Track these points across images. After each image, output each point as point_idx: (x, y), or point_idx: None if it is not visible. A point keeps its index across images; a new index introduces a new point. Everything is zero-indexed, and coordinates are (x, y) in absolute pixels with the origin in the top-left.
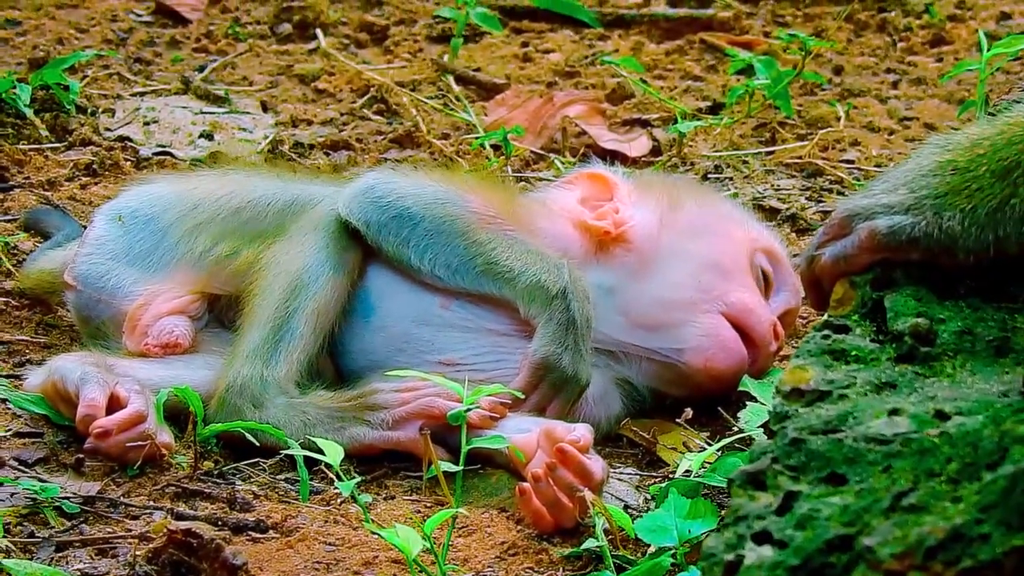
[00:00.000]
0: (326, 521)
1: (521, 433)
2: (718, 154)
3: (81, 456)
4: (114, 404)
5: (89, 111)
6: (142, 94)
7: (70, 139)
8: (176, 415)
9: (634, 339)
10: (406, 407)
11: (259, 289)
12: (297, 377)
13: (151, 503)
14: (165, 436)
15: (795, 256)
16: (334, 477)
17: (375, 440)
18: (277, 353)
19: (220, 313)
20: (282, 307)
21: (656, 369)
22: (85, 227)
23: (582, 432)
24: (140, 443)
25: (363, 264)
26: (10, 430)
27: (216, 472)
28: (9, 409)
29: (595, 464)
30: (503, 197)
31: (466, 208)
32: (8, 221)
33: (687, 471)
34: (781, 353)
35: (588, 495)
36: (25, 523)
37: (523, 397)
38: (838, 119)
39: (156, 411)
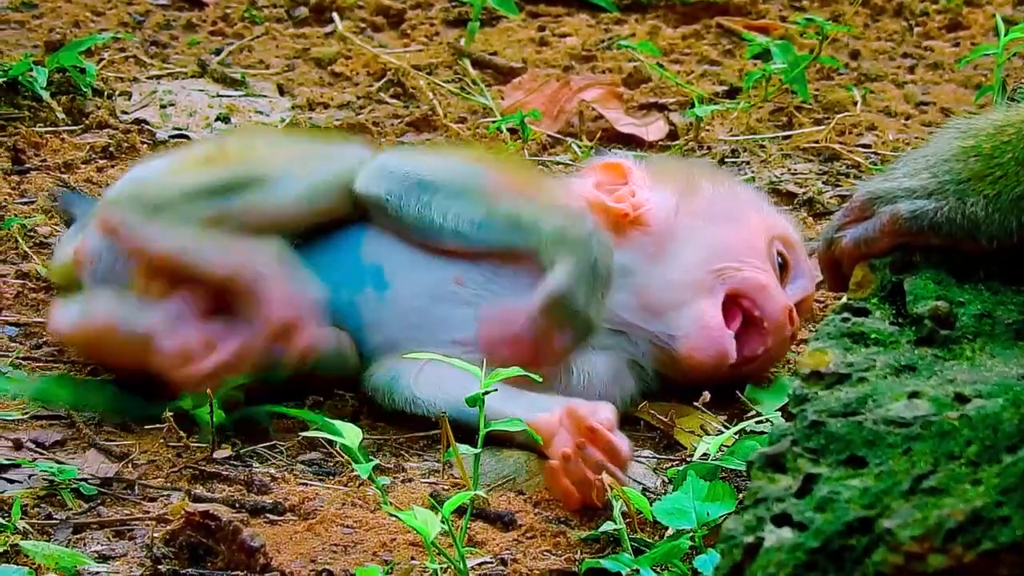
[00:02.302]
0: (344, 504)
1: (542, 412)
2: (735, 138)
3: (99, 438)
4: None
5: (106, 94)
6: (158, 77)
7: (86, 122)
8: None
9: (640, 321)
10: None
11: (235, 156)
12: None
13: (168, 485)
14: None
15: (811, 240)
16: (352, 460)
17: (253, 276)
18: (199, 203)
19: None
20: (237, 181)
21: (656, 353)
22: None
23: (606, 412)
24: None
25: (369, 241)
26: (27, 412)
27: (233, 454)
28: (23, 398)
29: (622, 442)
30: (520, 168)
31: (486, 172)
32: (25, 203)
33: (705, 454)
34: (797, 339)
35: (606, 479)
36: (42, 505)
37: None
38: (855, 103)
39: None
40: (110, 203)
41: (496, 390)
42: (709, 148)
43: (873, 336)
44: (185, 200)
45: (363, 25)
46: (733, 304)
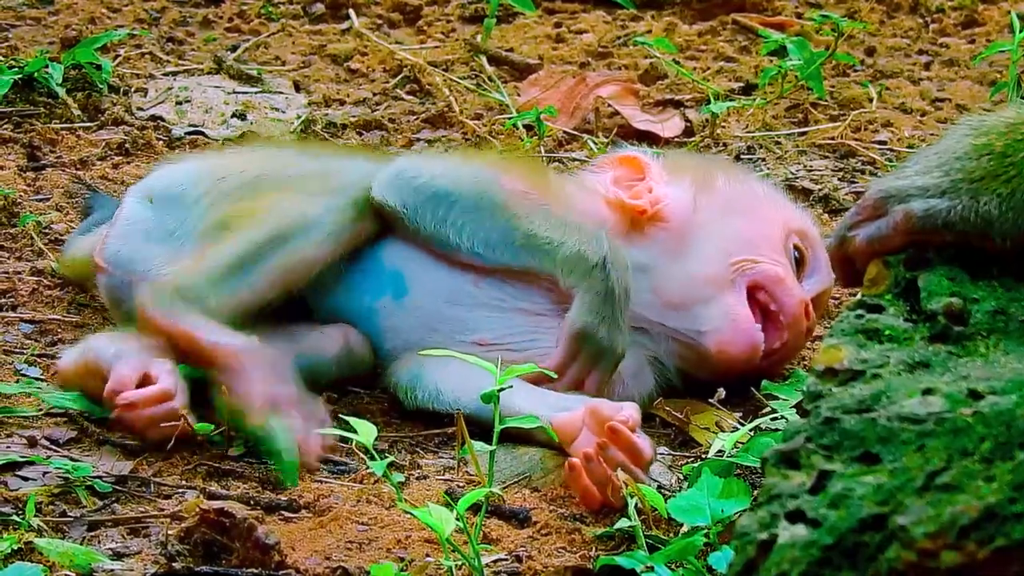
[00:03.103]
0: (358, 500)
1: (565, 411)
2: (751, 135)
3: (113, 436)
4: (145, 383)
5: (121, 90)
6: (174, 74)
7: (102, 118)
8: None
9: (662, 318)
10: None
11: (249, 219)
12: (235, 318)
13: (183, 482)
14: (190, 418)
15: (826, 237)
16: (366, 457)
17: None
18: (228, 286)
19: None
20: (256, 248)
21: (680, 350)
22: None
23: (630, 412)
24: (169, 422)
25: (389, 248)
26: (41, 409)
27: (248, 451)
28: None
29: (644, 443)
30: (537, 175)
31: (502, 185)
32: (40, 200)
33: (720, 451)
34: (813, 335)
35: (622, 475)
36: (57, 502)
37: (556, 377)
38: (870, 100)
39: (185, 394)
40: (143, 298)
41: (511, 387)
42: (725, 145)
43: (887, 333)
44: (214, 288)
45: (379, 22)
46: (750, 298)
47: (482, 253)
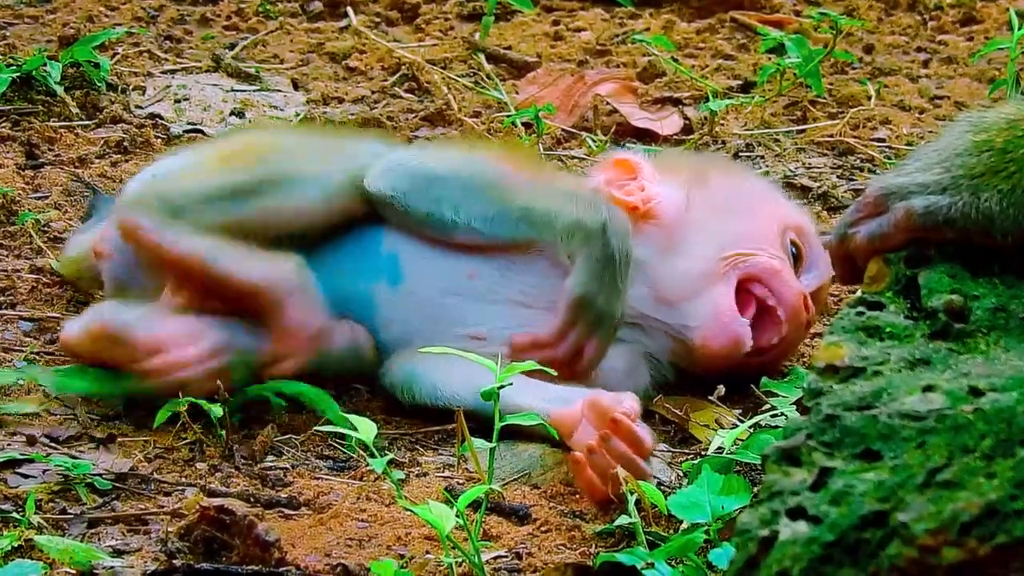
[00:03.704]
0: (358, 498)
1: (564, 404)
2: (749, 132)
3: (113, 433)
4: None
5: (119, 88)
6: (173, 72)
7: (100, 116)
8: None
9: (656, 314)
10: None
11: (250, 156)
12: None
13: (183, 480)
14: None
15: (824, 234)
16: (366, 454)
17: (272, 285)
18: (215, 207)
19: None
20: (254, 183)
21: (672, 345)
22: None
23: (631, 403)
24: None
25: (385, 232)
26: (42, 406)
27: (248, 449)
28: (41, 386)
29: (645, 433)
30: (530, 160)
31: (495, 164)
32: (39, 198)
33: (719, 448)
34: (812, 332)
35: (621, 472)
36: (57, 500)
37: (554, 350)
38: (869, 98)
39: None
40: (128, 205)
41: (512, 384)
42: (724, 142)
43: (888, 330)
44: (204, 202)
45: (377, 20)
46: (746, 292)
47: (479, 228)
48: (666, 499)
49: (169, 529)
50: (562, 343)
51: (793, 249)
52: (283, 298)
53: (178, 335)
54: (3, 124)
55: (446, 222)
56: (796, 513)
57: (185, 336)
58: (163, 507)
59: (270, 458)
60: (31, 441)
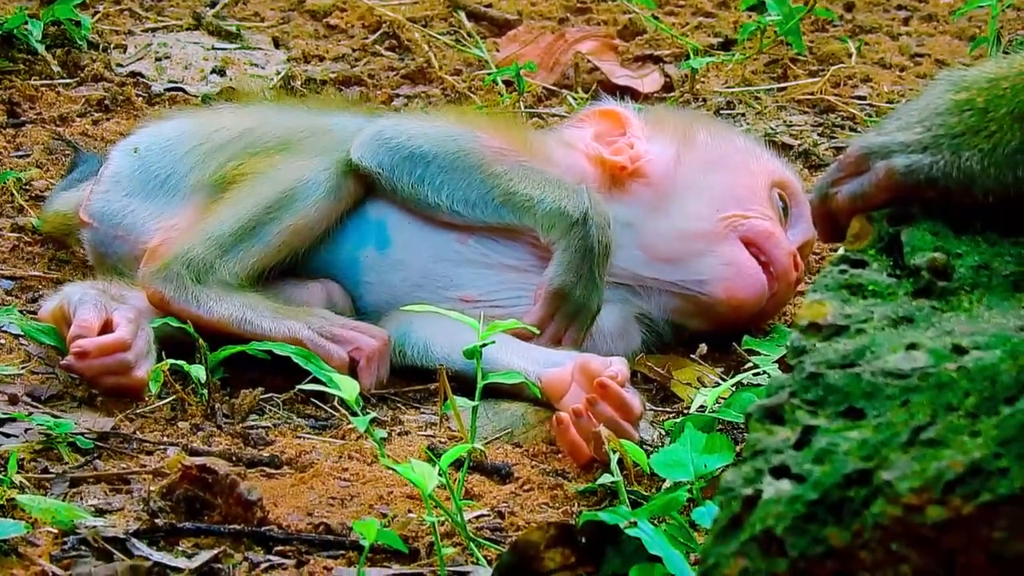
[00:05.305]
0: (340, 456)
1: (554, 366)
2: (730, 90)
3: (94, 392)
4: (107, 329)
5: (101, 47)
6: (154, 30)
7: (82, 75)
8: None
9: (654, 273)
10: (343, 330)
11: (250, 183)
12: (243, 281)
13: (165, 439)
14: (142, 371)
15: (806, 192)
16: (348, 413)
17: (307, 338)
18: (237, 251)
19: None
20: (263, 212)
21: (677, 302)
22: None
23: (619, 367)
24: (121, 375)
25: (374, 199)
26: (24, 366)
27: (230, 408)
28: (23, 345)
29: (634, 398)
30: (516, 132)
31: (479, 143)
32: (20, 157)
33: (702, 406)
34: (798, 288)
35: (604, 431)
36: (39, 459)
37: (539, 333)
38: (849, 55)
39: (150, 344)
40: (153, 275)
41: (494, 342)
42: (704, 100)
43: (871, 288)
44: (224, 254)
45: None
46: None
47: (461, 212)
48: (648, 458)
49: (151, 488)
50: (541, 333)
51: (780, 204)
52: (317, 348)
53: (95, 324)
54: None
55: (429, 202)
56: (780, 472)
57: (104, 323)
58: (145, 466)
59: (252, 417)
60: (13, 400)
